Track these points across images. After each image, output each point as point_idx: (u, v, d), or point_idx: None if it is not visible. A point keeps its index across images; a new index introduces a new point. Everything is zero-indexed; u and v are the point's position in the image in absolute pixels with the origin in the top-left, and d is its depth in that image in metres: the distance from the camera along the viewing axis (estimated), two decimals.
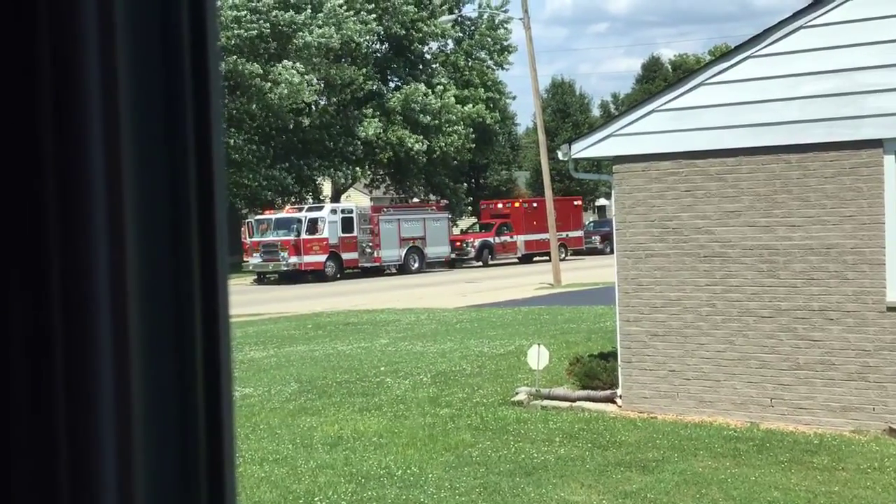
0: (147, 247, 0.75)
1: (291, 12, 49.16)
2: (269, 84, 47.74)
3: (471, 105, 56.41)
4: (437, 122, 54.58)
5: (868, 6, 10.92)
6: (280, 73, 47.79)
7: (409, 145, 53.39)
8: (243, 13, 47.38)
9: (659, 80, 73.86)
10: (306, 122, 52.73)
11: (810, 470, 9.53)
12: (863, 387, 11.18)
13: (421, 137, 53.86)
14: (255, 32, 47.92)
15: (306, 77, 48.68)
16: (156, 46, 0.77)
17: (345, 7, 50.91)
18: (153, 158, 0.76)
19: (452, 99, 55.32)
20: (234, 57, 46.93)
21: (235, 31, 47.14)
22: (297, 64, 48.55)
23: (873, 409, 11.10)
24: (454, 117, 55.15)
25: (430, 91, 54.73)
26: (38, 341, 0.70)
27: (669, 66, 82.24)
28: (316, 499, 9.14)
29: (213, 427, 0.80)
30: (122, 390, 0.73)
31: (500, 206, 53.73)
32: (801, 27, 11.41)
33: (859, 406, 11.18)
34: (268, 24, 48.37)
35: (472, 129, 56.46)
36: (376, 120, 53.53)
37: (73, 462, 0.71)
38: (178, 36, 0.78)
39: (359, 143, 53.54)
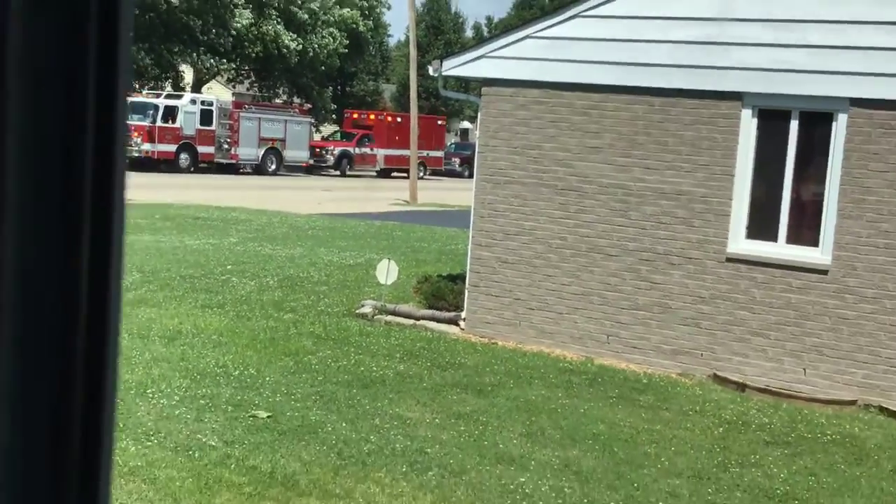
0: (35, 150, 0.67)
1: None
2: None
3: (347, 10, 55.42)
4: (312, 21, 53.43)
5: None
6: None
7: (285, 42, 52.14)
8: None
9: (536, 8, 73.95)
10: (175, 2, 50.80)
11: (636, 407, 9.86)
12: (694, 332, 11.59)
13: (295, 36, 52.68)
14: None
15: None
16: None
17: None
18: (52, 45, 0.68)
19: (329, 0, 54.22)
20: None
21: None
22: None
23: (701, 354, 11.53)
24: (331, 19, 54.09)
25: None
26: None
27: None
28: (148, 391, 8.97)
29: (95, 360, 0.73)
30: None
31: (363, 116, 53.25)
32: None
33: (689, 350, 11.60)
34: None
35: (345, 35, 55.55)
36: (248, 11, 52.02)
37: None
38: None
39: (228, 34, 51.97)
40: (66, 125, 0.69)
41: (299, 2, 52.52)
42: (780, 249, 11.17)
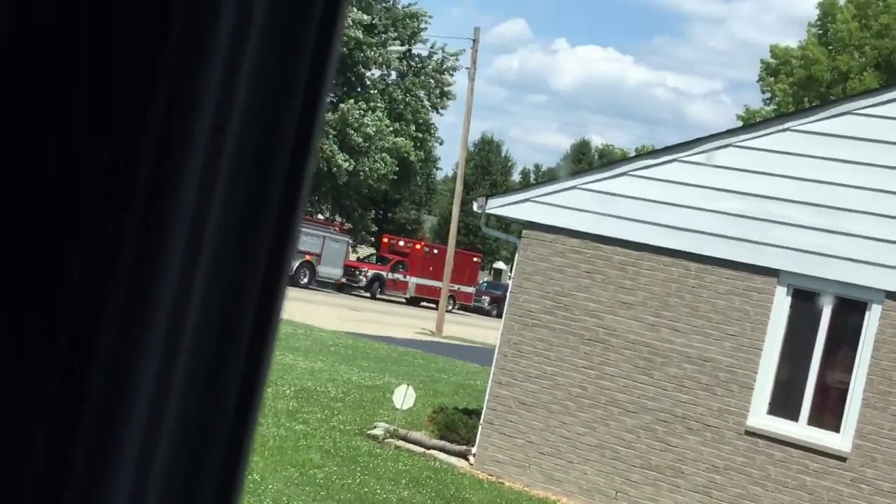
0: (221, 247, 0.70)
1: None
2: None
3: (401, 139, 56.59)
4: (367, 145, 54.55)
5: (797, 141, 11.32)
6: None
7: (338, 161, 53.19)
8: None
9: (585, 162, 75.19)
10: None
11: None
12: (704, 500, 11.42)
13: (348, 157, 53.77)
14: None
15: None
16: (280, 49, 0.73)
17: None
18: (249, 157, 0.71)
19: (385, 126, 55.43)
20: None
21: None
22: None
23: None
24: (384, 145, 55.20)
25: (367, 111, 54.73)
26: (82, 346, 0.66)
27: (596, 153, 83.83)
28: None
29: (238, 439, 0.76)
30: (160, 401, 0.67)
31: (401, 243, 53.75)
32: (730, 145, 11.76)
33: None
34: None
35: (395, 162, 56.59)
36: None
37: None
38: (304, 46, 0.75)
39: None
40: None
41: (356, 125, 53.71)
42: (801, 430, 11.08)
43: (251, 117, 0.71)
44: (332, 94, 52.75)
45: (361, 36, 55.70)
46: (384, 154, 55.34)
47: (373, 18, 56.45)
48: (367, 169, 54.89)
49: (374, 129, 54.69)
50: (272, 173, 0.74)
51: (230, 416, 0.75)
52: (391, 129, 56.22)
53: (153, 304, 0.66)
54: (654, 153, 12.67)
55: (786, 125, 11.55)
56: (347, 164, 53.42)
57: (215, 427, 0.74)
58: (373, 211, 64.36)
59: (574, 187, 12.67)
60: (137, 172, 0.65)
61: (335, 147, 53.45)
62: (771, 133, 11.56)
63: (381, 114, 56.45)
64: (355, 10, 55.03)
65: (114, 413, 0.66)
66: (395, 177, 57.40)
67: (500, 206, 13.29)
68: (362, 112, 53.99)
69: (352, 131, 53.69)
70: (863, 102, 11.29)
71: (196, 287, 0.68)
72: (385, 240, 55.55)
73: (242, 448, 0.76)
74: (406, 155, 57.08)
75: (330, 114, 53.77)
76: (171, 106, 0.66)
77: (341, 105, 54.92)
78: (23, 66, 0.64)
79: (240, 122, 0.70)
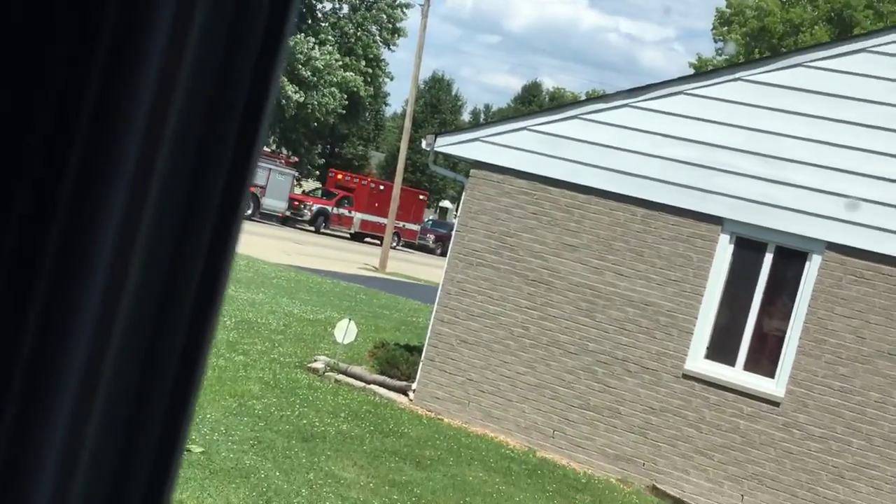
0: (158, 214, 0.68)
1: None
2: None
3: (351, 73, 55.99)
4: (316, 78, 53.92)
5: (746, 91, 11.37)
6: None
7: (288, 94, 52.53)
8: None
9: (535, 105, 75.10)
10: None
11: None
12: (640, 441, 11.61)
13: (298, 88, 53.12)
14: None
15: None
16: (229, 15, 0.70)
17: None
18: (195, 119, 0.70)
19: (334, 61, 54.76)
20: None
21: None
22: None
23: (643, 464, 11.54)
24: (334, 79, 54.59)
25: (317, 44, 54.00)
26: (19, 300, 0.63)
27: (547, 96, 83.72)
28: None
29: (175, 414, 0.74)
30: (91, 374, 0.65)
31: (347, 178, 53.46)
32: (681, 92, 11.78)
33: (632, 458, 11.61)
34: None
35: (345, 97, 56.04)
36: None
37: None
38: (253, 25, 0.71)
39: None
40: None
41: (304, 59, 52.99)
42: (737, 374, 11.27)
43: (204, 59, 0.68)
44: None
45: None
46: (333, 88, 54.75)
47: None
48: (316, 102, 54.34)
49: (324, 62, 54.03)
50: (226, 116, 0.71)
51: (164, 403, 0.72)
52: (341, 63, 55.58)
53: (91, 252, 0.64)
54: (605, 97, 12.66)
55: (737, 75, 11.58)
56: (297, 95, 52.81)
57: (148, 412, 0.71)
58: (320, 145, 63.83)
59: (524, 128, 12.63)
60: (82, 108, 0.63)
61: (284, 79, 52.72)
62: (722, 82, 11.58)
63: (331, 48, 55.76)
64: None
65: (48, 361, 0.63)
66: (344, 111, 56.89)
67: (448, 145, 13.22)
68: (311, 45, 53.26)
69: (300, 65, 53.01)
70: (813, 55, 11.34)
71: (138, 242, 0.66)
72: (331, 174, 55.18)
73: (177, 438, 0.74)
74: (355, 90, 56.54)
75: None
76: (116, 48, 0.63)
77: (293, 37, 54.02)
78: None
79: (192, 61, 0.67)
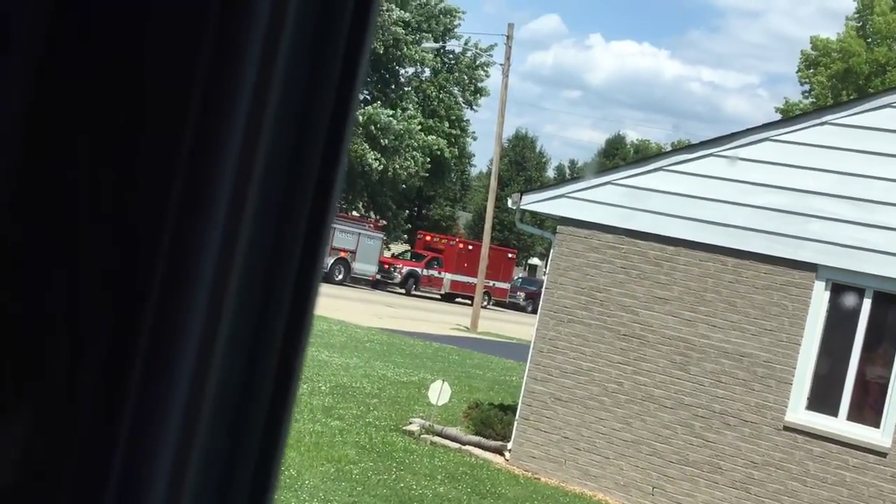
0: (253, 248, 0.72)
1: None
2: None
3: (433, 136, 56.59)
4: (396, 143, 54.64)
5: (834, 135, 11.21)
6: None
7: (368, 161, 53.34)
8: None
9: (619, 158, 74.88)
10: None
11: None
12: (742, 496, 11.35)
13: (379, 155, 53.87)
14: None
15: None
16: (312, 48, 0.75)
17: None
18: (282, 157, 0.73)
19: (417, 125, 55.44)
20: None
21: None
22: None
23: None
24: (415, 143, 55.23)
25: (394, 114, 54.77)
26: (127, 324, 0.68)
27: (631, 148, 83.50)
28: None
29: (271, 437, 0.78)
30: (195, 396, 0.70)
31: (435, 239, 53.80)
32: (767, 139, 11.67)
33: None
34: None
35: (428, 160, 56.59)
36: None
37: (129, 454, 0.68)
38: (336, 43, 0.76)
39: None
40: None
41: (383, 126, 53.70)
42: (840, 425, 10.98)
43: (284, 117, 0.73)
44: (363, 92, 52.91)
45: (402, 32, 55.77)
46: (415, 153, 55.32)
47: (410, 16, 56.54)
48: (398, 167, 54.94)
49: (403, 127, 54.66)
50: (305, 172, 0.76)
51: (265, 405, 0.77)
52: (421, 127, 56.18)
53: (191, 291, 0.68)
54: (689, 148, 12.61)
55: (823, 118, 11.44)
56: (377, 163, 53.49)
57: (251, 415, 0.76)
58: (407, 208, 64.42)
59: (608, 183, 12.62)
60: (176, 167, 0.67)
61: (366, 146, 53.56)
62: (808, 127, 11.45)
63: (413, 111, 56.44)
64: (395, 7, 55.14)
65: (154, 395, 0.68)
66: (427, 174, 57.39)
67: (534, 203, 13.26)
68: (389, 116, 54.02)
69: (378, 132, 53.77)
70: None
71: (233, 277, 0.70)
72: (420, 236, 55.60)
73: (278, 439, 0.78)
74: (439, 152, 57.04)
75: (360, 115, 53.95)
76: (207, 106, 0.68)
77: (367, 108, 55.01)
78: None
79: (273, 123, 0.72)
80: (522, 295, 55.23)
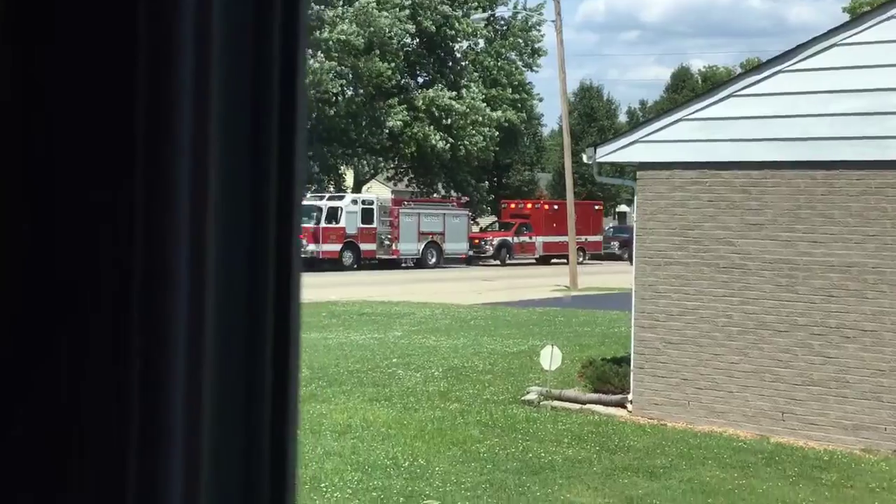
0: (227, 246, 0.75)
1: (316, 7, 48.77)
2: None
3: (499, 112, 56.34)
4: (461, 122, 54.57)
5: None
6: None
7: (434, 142, 53.45)
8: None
9: (687, 90, 73.59)
10: (332, 111, 52.80)
11: (819, 486, 9.52)
12: (875, 406, 11.15)
13: (445, 136, 53.87)
14: None
15: (330, 65, 48.50)
16: (248, 47, 0.78)
17: (376, 3, 50.78)
18: (238, 158, 0.76)
19: (480, 102, 55.23)
20: None
21: None
22: (319, 54, 48.47)
23: (885, 428, 11.07)
24: (481, 118, 55.08)
25: (455, 95, 54.66)
26: (118, 345, 0.71)
27: (699, 77, 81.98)
28: (322, 485, 9.18)
29: (279, 429, 0.80)
30: (194, 394, 0.73)
31: (520, 206, 53.69)
32: (834, 45, 11.38)
33: (871, 425, 11.15)
34: None
35: (497, 131, 56.39)
36: (403, 112, 53.61)
37: (141, 464, 0.71)
38: (270, 40, 0.79)
39: (384, 134, 53.61)
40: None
41: (446, 108, 53.61)
42: None
43: (233, 113, 0.76)
44: (426, 74, 52.31)
45: (448, 10, 55.57)
46: (482, 129, 55.12)
47: None
48: (467, 143, 54.87)
49: (467, 106, 54.47)
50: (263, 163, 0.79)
51: (269, 403, 0.80)
52: (486, 101, 55.93)
53: (171, 307, 0.72)
54: (756, 69, 12.35)
55: (888, 14, 11.09)
56: (443, 143, 53.49)
57: (255, 414, 0.79)
58: (486, 180, 64.32)
59: (679, 120, 12.45)
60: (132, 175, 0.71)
61: (430, 129, 53.55)
62: (874, 25, 11.13)
63: (476, 88, 56.19)
64: None
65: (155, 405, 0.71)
66: (497, 148, 57.20)
67: (609, 154, 13.15)
68: (450, 99, 53.90)
69: (441, 113, 53.71)
70: None
71: (208, 284, 0.74)
72: (504, 205, 55.54)
73: (285, 435, 0.81)
74: (506, 123, 56.79)
75: (420, 99, 54.00)
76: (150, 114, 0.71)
77: (429, 90, 54.95)
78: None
79: (221, 121, 0.75)
80: (616, 244, 54.89)
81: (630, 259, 12.74)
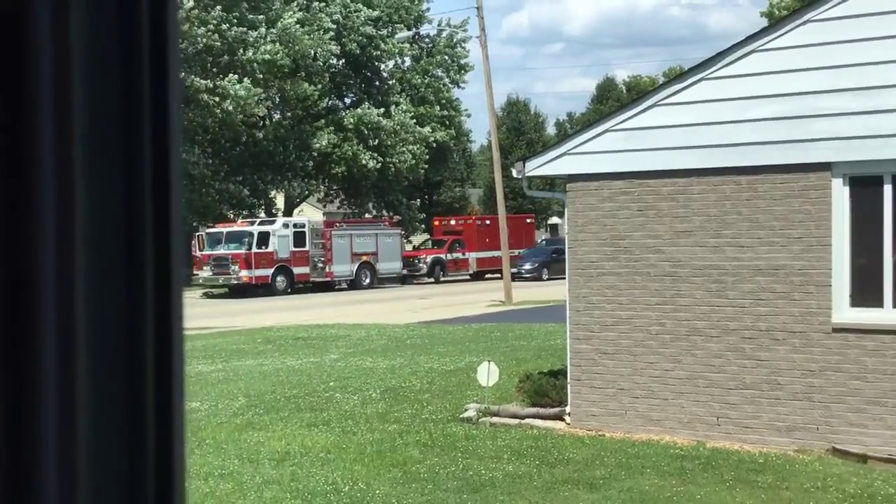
0: (98, 258, 0.72)
1: (238, 29, 48.30)
2: (217, 98, 47.11)
3: (428, 128, 56.48)
4: (390, 141, 54.60)
5: (818, 32, 11.08)
6: (226, 88, 47.11)
7: (363, 162, 53.38)
8: (187, 26, 46.34)
9: (613, 100, 74.50)
10: (260, 135, 52.45)
11: (755, 489, 9.59)
12: (807, 407, 11.28)
13: (374, 155, 53.85)
14: (201, 45, 47.11)
15: (255, 91, 48.18)
16: (114, 51, 0.75)
17: (299, 25, 50.55)
18: (108, 168, 0.74)
19: (408, 118, 55.33)
20: (183, 70, 46.34)
21: (182, 44, 46.54)
22: (246, 79, 48.11)
23: (817, 428, 11.20)
24: (411, 137, 55.16)
25: (382, 112, 54.69)
26: None
27: (624, 88, 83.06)
28: None
29: (163, 444, 0.78)
30: (68, 405, 0.70)
31: (452, 222, 53.79)
32: (753, 51, 11.54)
33: (804, 426, 11.28)
34: (216, 37, 47.56)
35: (426, 149, 56.50)
36: (331, 133, 53.48)
37: (13, 481, 0.69)
38: (138, 40, 0.76)
39: (312, 156, 53.41)
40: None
41: (374, 127, 53.66)
42: (888, 315, 10.88)
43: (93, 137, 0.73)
44: (353, 95, 52.71)
45: (372, 30, 55.63)
46: (411, 146, 55.21)
47: (378, 11, 56.41)
48: (396, 162, 54.90)
49: (396, 123, 54.56)
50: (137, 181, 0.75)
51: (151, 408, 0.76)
52: (415, 118, 56.06)
53: (37, 316, 0.69)
54: (678, 78, 12.49)
55: (805, 17, 11.29)
56: (373, 162, 53.46)
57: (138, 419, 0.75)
58: (417, 198, 64.39)
59: (606, 131, 12.53)
60: None
61: (359, 148, 53.52)
62: (791, 29, 11.31)
63: (405, 104, 56.30)
64: (363, 7, 55.03)
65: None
66: (427, 165, 57.33)
67: (538, 167, 13.18)
68: (378, 116, 53.96)
69: (369, 132, 53.74)
70: None
71: (77, 294, 0.71)
72: (436, 222, 55.60)
73: (171, 441, 0.77)
74: (434, 141, 56.93)
75: (348, 118, 54.00)
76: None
77: (357, 109, 54.95)
78: None
79: (84, 145, 0.72)
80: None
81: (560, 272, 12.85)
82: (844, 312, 11.11)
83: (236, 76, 47.54)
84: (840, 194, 11.11)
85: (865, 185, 11.05)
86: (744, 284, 11.66)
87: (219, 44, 47.59)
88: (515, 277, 52.33)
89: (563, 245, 13.46)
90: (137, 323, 0.76)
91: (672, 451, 11.25)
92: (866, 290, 11.09)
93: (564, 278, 13.30)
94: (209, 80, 46.82)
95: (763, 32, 11.67)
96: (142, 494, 0.77)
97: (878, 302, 10.97)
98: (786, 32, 11.36)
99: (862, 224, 11.09)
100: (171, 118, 0.78)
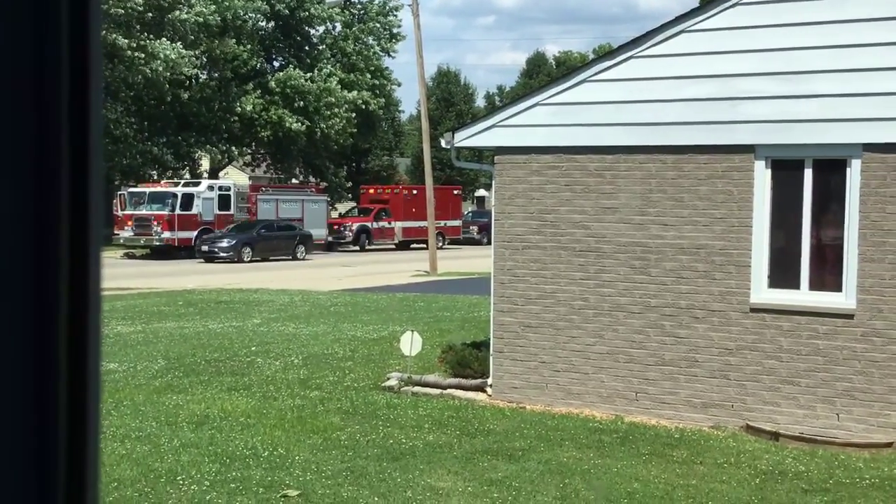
0: (4, 212, 0.70)
1: None
2: (145, 57, 46.13)
3: (356, 92, 56.09)
4: (316, 104, 54.12)
5: (747, 14, 11.22)
6: (156, 49, 46.17)
7: (289, 125, 52.86)
8: None
9: (543, 75, 74.74)
10: (185, 95, 51.61)
11: (670, 463, 9.78)
12: (724, 384, 11.52)
13: (300, 118, 53.34)
14: (130, 5, 45.97)
15: (184, 52, 47.33)
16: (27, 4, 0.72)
17: None
18: (18, 120, 0.71)
19: (335, 83, 54.87)
20: (107, 28, 45.25)
21: (109, 3, 45.47)
22: (178, 42, 47.20)
23: (732, 406, 11.45)
24: (335, 101, 54.70)
25: (309, 75, 54.16)
26: None
27: (554, 63, 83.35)
28: (178, 478, 8.96)
29: (77, 406, 0.75)
30: None
31: (379, 191, 53.63)
32: (682, 31, 11.65)
33: (720, 403, 11.52)
34: None
35: (354, 114, 56.14)
36: (256, 96, 52.82)
37: None
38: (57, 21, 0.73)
39: (239, 119, 52.75)
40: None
41: (299, 90, 53.12)
42: (804, 297, 11.14)
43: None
44: (282, 59, 52.34)
45: None
46: (338, 110, 54.79)
47: None
48: (324, 126, 54.47)
49: (319, 87, 54.09)
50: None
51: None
52: (341, 83, 55.61)
53: None
54: (608, 55, 12.56)
55: (734, 0, 11.42)
56: (299, 125, 52.95)
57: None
58: (344, 166, 64.03)
59: (536, 104, 12.57)
60: None
61: (284, 112, 52.99)
62: (720, 11, 11.43)
63: (332, 69, 55.83)
64: None
65: None
66: (357, 129, 56.98)
67: (467, 138, 13.19)
68: (302, 78, 53.43)
69: (293, 95, 53.19)
70: None
71: None
72: (363, 190, 55.39)
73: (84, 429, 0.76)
74: (364, 106, 56.57)
75: (273, 82, 53.39)
76: None
77: (282, 72, 54.35)
78: None
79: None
80: (475, 228, 55.39)
81: (489, 243, 12.86)
82: (762, 293, 11.34)
83: (167, 38, 46.63)
84: (762, 177, 11.30)
85: (787, 168, 11.26)
86: (666, 262, 11.83)
87: (142, 4, 46.43)
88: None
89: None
90: (50, 282, 0.74)
91: (591, 425, 11.41)
92: (785, 271, 11.33)
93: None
94: (136, 40, 45.77)
95: (693, 13, 11.79)
96: (52, 460, 0.75)
97: (795, 283, 11.22)
98: (715, 14, 11.48)
99: (782, 206, 11.31)
100: (91, 72, 0.76)
